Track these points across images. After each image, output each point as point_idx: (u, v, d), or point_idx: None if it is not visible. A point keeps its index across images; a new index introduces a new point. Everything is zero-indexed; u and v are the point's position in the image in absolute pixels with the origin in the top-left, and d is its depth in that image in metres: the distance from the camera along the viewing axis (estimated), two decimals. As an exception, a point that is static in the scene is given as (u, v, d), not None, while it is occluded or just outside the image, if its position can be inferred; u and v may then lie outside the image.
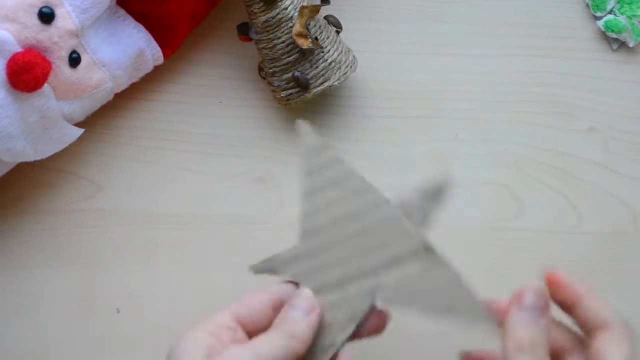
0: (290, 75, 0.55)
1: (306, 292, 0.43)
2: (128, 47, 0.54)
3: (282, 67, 0.56)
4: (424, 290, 0.43)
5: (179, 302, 0.56)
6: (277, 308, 0.44)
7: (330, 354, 0.43)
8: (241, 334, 0.42)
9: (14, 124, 0.49)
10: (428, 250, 0.43)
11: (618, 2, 0.61)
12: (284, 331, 0.42)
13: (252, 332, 0.43)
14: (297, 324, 0.42)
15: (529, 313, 0.41)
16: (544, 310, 0.42)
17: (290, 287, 0.45)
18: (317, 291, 0.44)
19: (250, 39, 0.57)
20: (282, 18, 0.54)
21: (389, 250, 0.43)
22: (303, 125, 0.46)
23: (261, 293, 0.44)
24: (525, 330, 0.41)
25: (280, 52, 0.55)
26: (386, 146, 0.59)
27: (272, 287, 0.44)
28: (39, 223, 0.57)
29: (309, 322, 0.42)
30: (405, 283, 0.43)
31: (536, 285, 0.42)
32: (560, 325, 0.44)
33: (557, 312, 0.44)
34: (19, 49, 0.49)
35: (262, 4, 0.54)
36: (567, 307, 0.43)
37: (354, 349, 0.44)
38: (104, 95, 0.55)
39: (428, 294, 0.43)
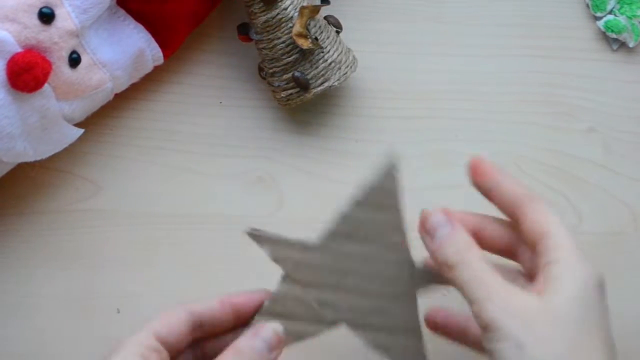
0: (290, 75, 0.55)
1: (276, 327, 0.42)
2: (128, 47, 0.54)
3: (282, 67, 0.56)
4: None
5: (178, 302, 0.56)
6: (196, 328, 0.42)
7: None
8: (165, 355, 0.40)
9: (14, 124, 0.49)
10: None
11: (618, 2, 0.60)
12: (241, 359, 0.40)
13: (170, 352, 0.41)
14: (257, 357, 0.40)
15: (438, 232, 0.42)
16: (449, 221, 0.42)
17: (215, 304, 0.43)
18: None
19: (250, 39, 0.57)
20: (281, 18, 0.54)
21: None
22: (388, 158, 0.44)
23: (180, 311, 0.42)
24: (443, 248, 0.41)
25: (280, 52, 0.55)
26: (386, 146, 0.59)
27: (192, 304, 0.42)
28: (39, 223, 0.57)
29: (269, 359, 0.41)
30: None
31: (425, 211, 0.43)
32: (503, 223, 0.44)
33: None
34: (19, 49, 0.49)
35: (261, 4, 0.54)
36: (486, 192, 0.44)
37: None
38: (104, 96, 0.55)
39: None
